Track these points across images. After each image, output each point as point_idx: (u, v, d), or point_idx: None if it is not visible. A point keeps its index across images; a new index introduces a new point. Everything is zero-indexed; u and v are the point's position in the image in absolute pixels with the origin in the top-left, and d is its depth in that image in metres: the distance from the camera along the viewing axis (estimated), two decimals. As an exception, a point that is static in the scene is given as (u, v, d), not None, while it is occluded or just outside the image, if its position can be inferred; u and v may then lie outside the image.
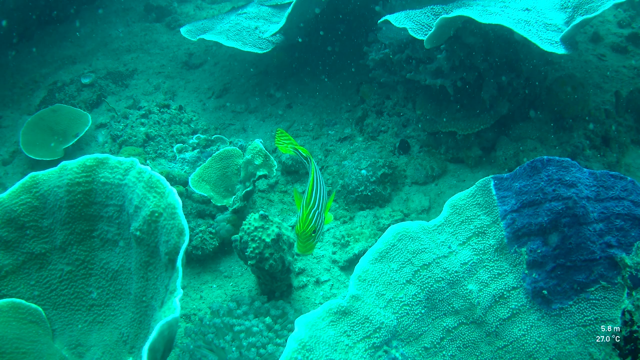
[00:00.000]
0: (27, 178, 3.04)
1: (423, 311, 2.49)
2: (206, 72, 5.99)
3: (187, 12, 7.29)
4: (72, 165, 2.96)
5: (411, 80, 4.43)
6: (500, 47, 4.04)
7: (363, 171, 4.23)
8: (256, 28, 4.92)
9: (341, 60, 5.48)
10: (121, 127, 4.83)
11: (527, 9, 3.65)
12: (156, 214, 2.61)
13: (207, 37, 4.92)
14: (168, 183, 2.64)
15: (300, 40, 5.15)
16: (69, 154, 5.09)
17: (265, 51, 4.77)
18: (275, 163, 3.87)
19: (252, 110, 5.34)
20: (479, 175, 4.30)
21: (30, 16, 7.09)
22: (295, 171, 4.49)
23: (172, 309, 2.25)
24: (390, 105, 4.82)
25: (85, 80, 5.91)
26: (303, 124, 5.09)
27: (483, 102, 4.17)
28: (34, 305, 2.88)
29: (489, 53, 4.04)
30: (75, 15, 7.57)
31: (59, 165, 3.02)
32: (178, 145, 4.63)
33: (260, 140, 3.99)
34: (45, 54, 6.84)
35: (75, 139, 5.09)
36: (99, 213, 2.97)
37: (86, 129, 5.15)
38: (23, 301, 2.84)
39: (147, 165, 4.06)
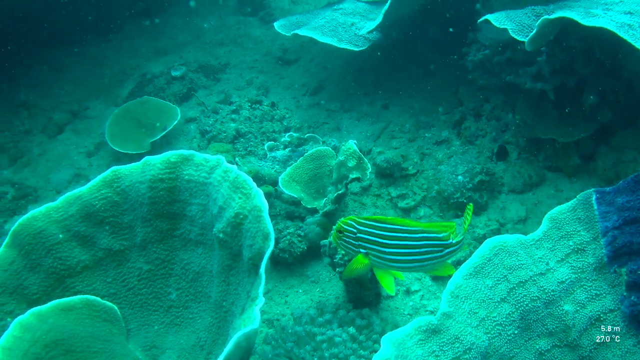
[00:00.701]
0: (108, 172, 3.00)
1: (516, 332, 2.35)
2: (301, 68, 5.90)
3: (282, 7, 7.25)
4: (155, 160, 2.88)
5: (511, 83, 4.23)
6: (601, 52, 3.81)
7: (459, 177, 4.06)
8: (352, 24, 4.80)
9: (439, 60, 5.30)
10: (211, 122, 4.77)
11: (629, 12, 3.42)
12: (241, 216, 2.50)
13: (302, 32, 4.82)
14: (254, 184, 2.52)
15: (397, 38, 5.00)
16: (156, 148, 5.08)
17: (361, 48, 4.64)
18: (369, 166, 3.73)
19: (347, 109, 5.21)
20: (577, 185, 4.11)
21: (122, 7, 7.15)
22: (389, 174, 4.33)
23: (251, 318, 2.13)
24: (489, 109, 4.63)
25: (175, 73, 5.89)
26: (399, 125, 4.93)
27: (583, 108, 3.96)
28: (109, 304, 2.80)
29: (590, 57, 3.82)
30: (167, 8, 7.69)
31: (142, 160, 2.95)
32: (269, 143, 4.53)
33: (354, 141, 3.85)
34: (135, 46, 6.93)
35: (163, 133, 5.07)
36: (182, 211, 2.88)
37: (174, 123, 5.11)
38: (98, 299, 2.76)
39: (236, 163, 3.97)
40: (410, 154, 4.58)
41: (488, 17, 3.77)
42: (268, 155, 4.40)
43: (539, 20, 3.37)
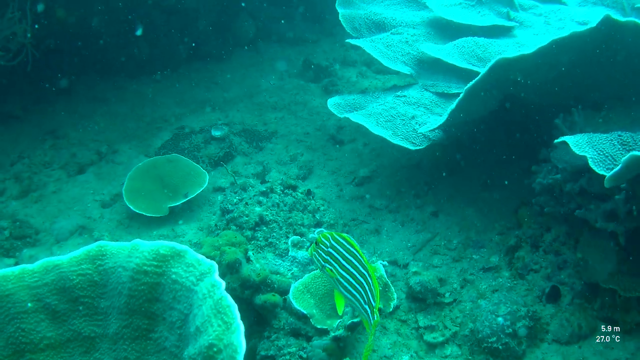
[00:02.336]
0: (94, 246, 2.82)
1: None
2: (352, 153, 5.66)
3: (349, 78, 7.08)
4: (144, 248, 2.67)
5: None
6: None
7: (500, 319, 3.72)
8: (413, 117, 4.55)
9: (504, 169, 4.98)
10: (235, 201, 4.50)
11: None
12: (214, 349, 2.22)
13: (354, 117, 4.61)
14: (237, 314, 2.25)
15: (460, 138, 4.74)
16: (175, 214, 4.94)
17: (417, 148, 4.38)
18: (394, 296, 3.45)
19: (393, 210, 4.92)
20: (630, 344, 3.70)
21: (180, 48, 7.06)
22: (422, 299, 4.01)
23: None
24: (549, 240, 4.28)
25: (215, 133, 5.71)
26: (446, 239, 4.61)
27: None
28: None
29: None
30: (228, 56, 7.68)
31: (131, 243, 2.77)
32: (294, 237, 4.21)
33: (384, 262, 3.59)
34: (183, 93, 6.88)
35: (184, 200, 4.90)
36: (162, 314, 2.64)
37: (199, 191, 4.94)
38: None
39: (248, 257, 3.70)
40: (451, 276, 4.26)
41: (567, 140, 3.47)
42: (289, 253, 4.11)
43: (627, 156, 3.01)
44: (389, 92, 5.17)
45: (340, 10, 5.63)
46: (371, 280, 2.74)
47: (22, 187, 5.47)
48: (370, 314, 2.72)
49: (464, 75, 4.79)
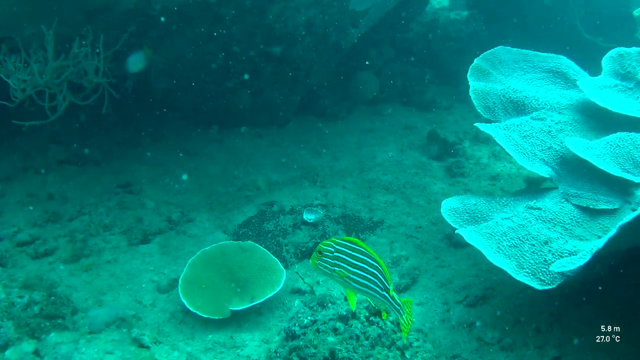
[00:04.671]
0: None
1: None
2: (469, 260, 4.96)
3: (479, 159, 6.50)
4: None
5: None
6: None
7: None
8: (546, 242, 3.84)
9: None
10: (305, 322, 3.78)
11: None
12: None
13: (470, 237, 3.96)
14: None
15: (599, 273, 4.00)
16: (238, 317, 4.38)
17: (547, 287, 3.65)
18: None
19: (506, 347, 4.14)
20: None
21: (287, 100, 6.85)
22: None
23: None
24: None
25: (308, 217, 5.17)
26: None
27: None
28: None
29: None
30: (344, 115, 7.41)
31: None
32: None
33: None
34: (288, 154, 6.61)
35: (250, 304, 4.33)
36: None
37: (268, 296, 4.37)
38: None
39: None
40: None
41: None
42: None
43: None
44: (521, 197, 4.45)
45: (473, 83, 4.98)
46: (382, 268, 2.92)
47: (74, 249, 5.07)
48: (391, 300, 2.94)
49: (615, 182, 4.17)
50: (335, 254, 2.95)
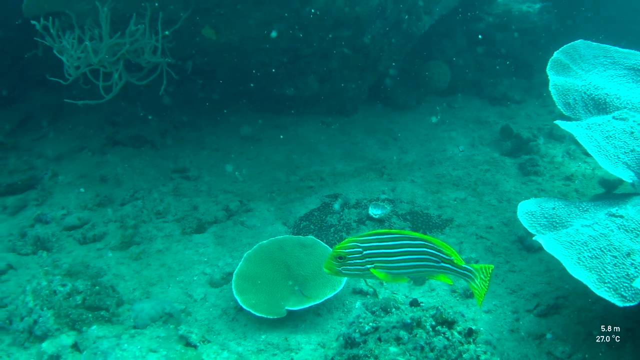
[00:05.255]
0: None
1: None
2: (542, 265, 4.58)
3: (553, 157, 6.11)
4: None
5: None
6: None
7: None
8: (628, 255, 3.43)
9: None
10: (366, 329, 3.39)
11: None
12: None
13: (549, 246, 3.62)
14: None
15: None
16: (295, 317, 4.03)
17: (628, 304, 3.25)
18: None
19: (579, 364, 3.76)
20: None
21: (355, 88, 6.39)
22: None
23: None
24: None
25: (374, 212, 4.84)
26: None
27: None
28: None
29: None
30: (414, 105, 7.10)
31: None
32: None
33: None
34: (354, 143, 6.30)
35: (308, 305, 3.96)
36: None
37: (329, 296, 4.00)
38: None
39: None
40: None
41: None
42: None
43: None
44: (600, 203, 4.02)
45: (553, 78, 4.57)
46: (433, 242, 2.86)
47: (124, 236, 4.80)
48: (455, 268, 2.91)
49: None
50: (365, 252, 2.89)
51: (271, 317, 3.90)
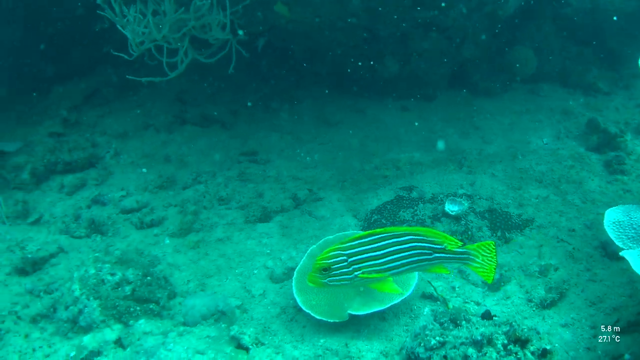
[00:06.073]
0: None
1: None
2: (625, 276, 4.14)
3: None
4: None
5: None
6: None
7: None
8: None
9: None
10: (432, 343, 3.02)
11: None
12: None
13: (636, 262, 3.15)
14: None
15: None
16: (357, 320, 3.64)
17: None
18: None
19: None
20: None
21: (437, 71, 6.09)
22: None
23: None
24: None
25: (451, 208, 4.50)
26: None
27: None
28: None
29: None
30: (497, 92, 6.73)
31: None
32: None
33: None
34: (433, 131, 5.93)
35: (372, 310, 3.58)
36: None
37: (396, 301, 3.60)
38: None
39: None
40: None
41: None
42: None
43: None
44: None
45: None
46: (421, 233, 2.78)
47: (183, 222, 4.54)
48: (448, 255, 2.81)
49: None
50: (351, 259, 2.78)
51: (332, 320, 3.57)
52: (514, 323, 3.21)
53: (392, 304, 3.59)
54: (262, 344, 3.51)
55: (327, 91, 6.37)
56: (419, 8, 5.55)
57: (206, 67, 5.33)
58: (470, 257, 2.84)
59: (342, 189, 5.01)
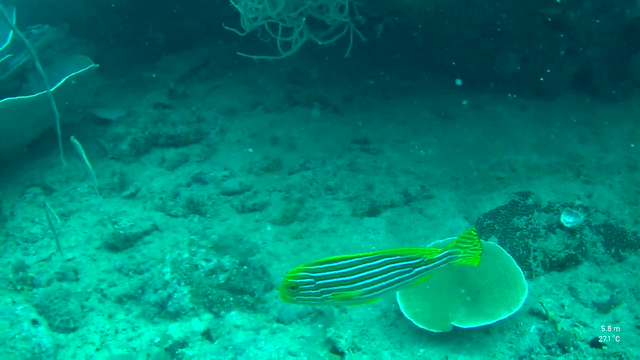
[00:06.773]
0: None
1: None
2: None
3: None
4: None
5: None
6: None
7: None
8: None
9: None
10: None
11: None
12: None
13: None
14: None
15: None
16: (461, 332, 3.34)
17: None
18: None
19: None
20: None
21: (561, 71, 5.88)
22: None
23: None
24: None
25: (567, 220, 4.03)
26: None
27: None
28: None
29: None
30: (619, 97, 6.25)
31: None
32: None
33: None
34: (548, 132, 5.55)
35: (477, 325, 3.28)
36: None
37: (503, 317, 3.29)
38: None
39: None
40: None
41: None
42: None
43: None
44: None
45: None
46: (391, 255, 2.61)
47: (287, 209, 4.34)
48: (430, 266, 2.66)
49: None
50: (318, 282, 2.59)
51: (434, 330, 3.32)
52: (623, 356, 3.00)
53: (499, 319, 3.30)
54: (359, 349, 3.27)
55: (443, 83, 6.08)
56: (543, 4, 5.24)
57: (320, 49, 5.11)
58: (452, 255, 2.70)
59: (455, 188, 4.71)
